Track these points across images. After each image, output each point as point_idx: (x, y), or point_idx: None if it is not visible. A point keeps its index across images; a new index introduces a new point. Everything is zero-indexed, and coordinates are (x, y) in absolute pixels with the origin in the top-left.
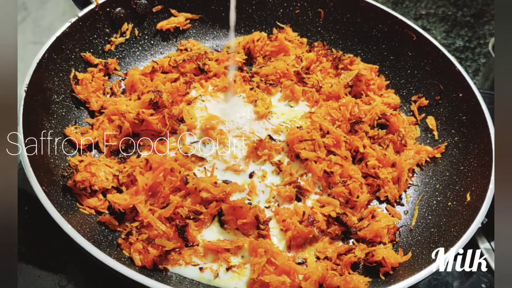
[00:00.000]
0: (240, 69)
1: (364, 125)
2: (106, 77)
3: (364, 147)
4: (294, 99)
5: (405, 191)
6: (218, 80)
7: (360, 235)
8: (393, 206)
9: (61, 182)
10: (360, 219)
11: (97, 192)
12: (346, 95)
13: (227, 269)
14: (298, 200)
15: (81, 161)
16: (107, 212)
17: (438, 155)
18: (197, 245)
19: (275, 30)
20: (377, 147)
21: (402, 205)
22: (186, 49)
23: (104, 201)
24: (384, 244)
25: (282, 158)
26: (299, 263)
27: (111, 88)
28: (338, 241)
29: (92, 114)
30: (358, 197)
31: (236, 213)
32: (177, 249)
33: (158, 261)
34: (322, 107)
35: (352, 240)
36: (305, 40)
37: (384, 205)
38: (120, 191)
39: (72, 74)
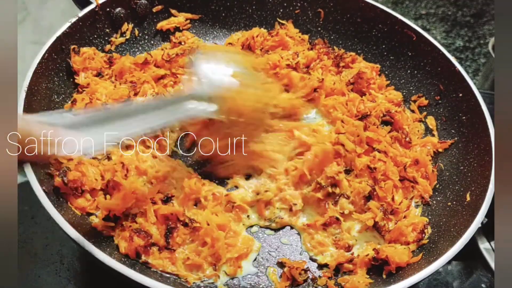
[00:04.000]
0: None
1: (372, 118)
2: (108, 66)
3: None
4: (292, 86)
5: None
6: None
7: (387, 239)
8: None
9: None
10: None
11: (84, 192)
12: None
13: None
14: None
15: (69, 159)
16: (96, 213)
17: (441, 150)
18: (174, 250)
19: (277, 26)
20: (398, 146)
21: None
22: (180, 43)
23: (93, 201)
24: (408, 244)
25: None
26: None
27: (100, 69)
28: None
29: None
30: (400, 203)
31: None
32: (159, 247)
33: (141, 251)
34: (328, 99)
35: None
36: (306, 37)
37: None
38: (106, 192)
39: (73, 47)
